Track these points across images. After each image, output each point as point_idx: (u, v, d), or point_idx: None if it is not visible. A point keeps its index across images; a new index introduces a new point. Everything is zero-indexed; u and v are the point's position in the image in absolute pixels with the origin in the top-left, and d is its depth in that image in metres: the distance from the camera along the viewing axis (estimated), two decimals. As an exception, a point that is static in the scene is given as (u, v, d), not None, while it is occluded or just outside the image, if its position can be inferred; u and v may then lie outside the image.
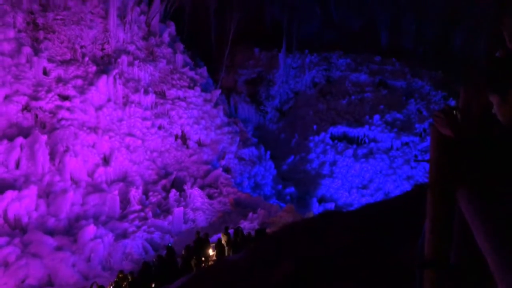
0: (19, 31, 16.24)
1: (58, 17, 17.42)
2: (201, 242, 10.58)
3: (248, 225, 14.43)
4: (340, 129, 24.00)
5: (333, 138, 24.01)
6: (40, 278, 11.32)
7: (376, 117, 24.21)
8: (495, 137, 1.21)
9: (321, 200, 21.55)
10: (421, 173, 22.49)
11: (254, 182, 20.95)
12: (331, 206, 20.66)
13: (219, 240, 10.38)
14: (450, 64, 25.27)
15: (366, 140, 23.97)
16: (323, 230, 4.96)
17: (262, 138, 24.00)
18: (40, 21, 16.91)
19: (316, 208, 19.92)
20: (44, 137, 14.64)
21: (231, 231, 10.88)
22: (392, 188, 22.20)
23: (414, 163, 22.71)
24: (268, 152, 22.45)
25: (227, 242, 10.15)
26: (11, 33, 15.81)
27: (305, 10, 28.60)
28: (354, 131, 24.08)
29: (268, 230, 11.22)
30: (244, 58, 26.20)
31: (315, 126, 23.87)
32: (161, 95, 20.16)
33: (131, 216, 14.68)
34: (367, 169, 22.81)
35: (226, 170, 19.82)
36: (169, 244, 11.53)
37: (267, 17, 29.02)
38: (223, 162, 20.15)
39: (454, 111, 1.36)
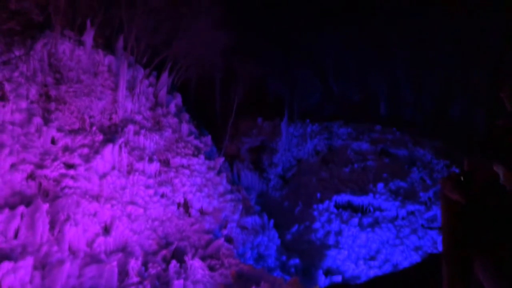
0: (32, 102, 16.89)
1: (71, 89, 18.23)
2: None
3: (251, 300, 13.67)
4: (344, 197, 23.77)
5: (337, 206, 23.69)
6: None
7: (380, 185, 24.10)
8: (504, 202, 1.21)
9: (328, 273, 20.60)
10: (429, 244, 21.78)
11: (257, 252, 20.25)
12: (338, 279, 19.71)
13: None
14: (450, 133, 25.78)
15: (371, 209, 23.62)
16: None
17: (265, 205, 23.71)
18: (52, 93, 17.67)
19: (322, 281, 19.00)
20: (46, 206, 14.49)
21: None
22: (400, 260, 21.36)
23: (422, 233, 22.09)
24: (272, 221, 22.01)
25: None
26: (24, 104, 16.43)
27: (305, 83, 30.02)
28: (359, 200, 23.82)
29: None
30: (248, 127, 26.93)
31: (318, 194, 23.68)
32: (166, 163, 20.35)
33: (129, 289, 13.98)
34: (374, 239, 22.15)
35: (228, 240, 19.28)
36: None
37: (270, 90, 30.37)
38: (225, 232, 19.67)
39: (461, 177, 1.37)
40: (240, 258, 18.04)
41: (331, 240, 21.99)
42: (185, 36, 21.88)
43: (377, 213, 23.11)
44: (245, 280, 15.99)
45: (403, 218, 22.81)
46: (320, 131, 27.53)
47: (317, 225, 22.57)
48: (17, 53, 15.30)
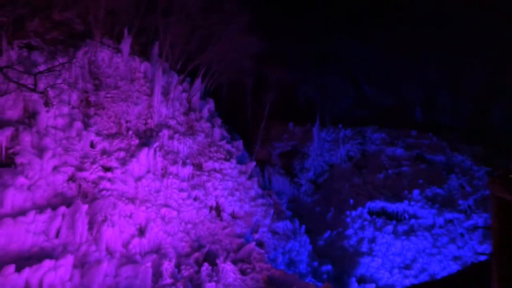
0: (73, 107, 17.69)
1: (109, 95, 18.96)
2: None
3: (282, 305, 13.59)
4: (378, 204, 23.22)
5: (371, 213, 23.18)
6: None
7: (416, 192, 23.37)
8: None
9: (361, 280, 20.15)
10: (470, 254, 20.84)
11: (289, 258, 20.12)
12: (371, 287, 19.23)
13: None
14: (490, 139, 24.68)
15: (406, 216, 22.93)
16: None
17: (296, 211, 23.56)
18: (92, 99, 18.44)
19: (355, 289, 18.60)
20: (85, 207, 15.06)
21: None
22: (438, 270, 20.57)
23: (461, 242, 21.19)
24: (303, 226, 21.81)
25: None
26: (66, 110, 17.24)
27: (337, 88, 29.70)
28: (393, 206, 23.20)
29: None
30: (279, 132, 26.93)
31: (351, 200, 23.27)
32: (198, 167, 20.69)
33: (162, 290, 14.26)
34: (409, 247, 21.48)
35: (260, 244, 19.29)
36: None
37: (301, 95, 30.29)
38: (256, 236, 19.70)
39: (510, 175, 1.33)
40: (272, 263, 17.99)
41: (365, 247, 21.52)
42: (218, 42, 22.26)
43: (413, 220, 22.40)
44: (276, 285, 15.91)
45: (440, 227, 21.97)
46: (353, 136, 27.11)
47: (350, 231, 22.16)
48: (60, 61, 16.09)
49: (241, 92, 27.43)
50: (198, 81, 23.45)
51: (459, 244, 21.32)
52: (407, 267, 20.76)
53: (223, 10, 22.36)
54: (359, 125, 27.91)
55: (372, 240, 21.93)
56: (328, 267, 20.28)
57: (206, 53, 22.21)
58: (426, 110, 29.56)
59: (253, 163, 23.49)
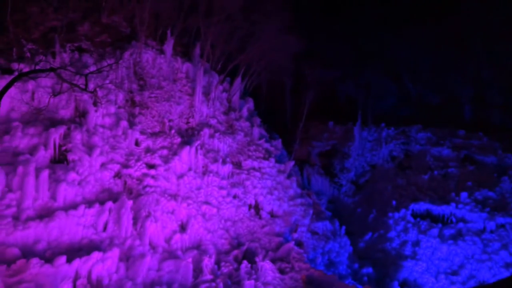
0: (119, 107, 18.46)
1: (152, 95, 19.61)
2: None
3: (322, 306, 13.41)
4: (422, 206, 22.30)
5: (414, 215, 22.32)
6: None
7: (464, 194, 22.24)
8: None
9: (403, 284, 19.47)
10: (524, 261, 19.54)
11: (328, 259, 19.82)
12: (415, 292, 18.55)
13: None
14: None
15: (453, 220, 21.87)
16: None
17: (336, 211, 23.16)
18: (137, 98, 19.15)
19: (397, 293, 18.01)
20: (130, 202, 15.67)
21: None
22: (488, 277, 19.44)
23: (514, 248, 19.89)
24: (343, 227, 21.41)
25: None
26: (113, 109, 18.02)
27: (380, 86, 28.89)
28: (439, 209, 22.20)
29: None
30: (318, 131, 26.62)
31: (394, 202, 22.53)
32: (238, 165, 20.89)
33: (203, 286, 14.52)
34: (456, 252, 20.46)
35: (298, 244, 19.16)
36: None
37: (341, 93, 29.76)
38: (295, 235, 19.58)
39: None
40: (311, 263, 17.80)
41: (408, 250, 20.76)
42: (258, 42, 22.37)
43: (461, 224, 21.32)
44: (315, 285, 15.73)
45: (491, 232, 20.74)
46: (396, 135, 26.22)
47: (392, 234, 21.47)
48: (108, 62, 16.83)
49: (280, 91, 27.39)
50: (238, 81, 23.69)
51: (511, 250, 20.03)
52: (454, 273, 19.79)
53: (264, 9, 22.44)
54: (402, 124, 26.95)
55: (416, 244, 21.12)
56: (369, 270, 19.77)
57: (246, 53, 22.39)
58: (475, 108, 28.03)
59: (292, 162, 23.37)
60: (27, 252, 12.77)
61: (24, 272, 11.99)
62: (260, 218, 19.69)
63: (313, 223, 20.73)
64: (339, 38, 28.03)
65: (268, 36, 22.35)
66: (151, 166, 17.58)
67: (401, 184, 23.59)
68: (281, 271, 16.61)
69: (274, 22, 22.42)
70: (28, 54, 16.53)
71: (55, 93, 13.92)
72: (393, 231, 21.52)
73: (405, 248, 20.83)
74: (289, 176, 22.32)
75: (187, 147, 18.72)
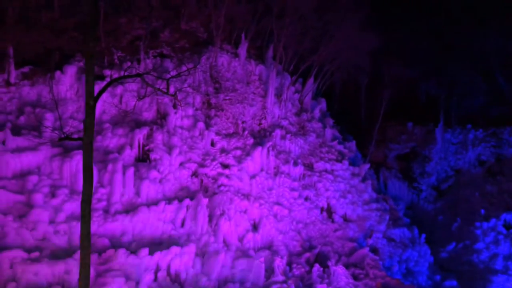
0: (196, 109, 19.36)
1: (227, 97, 20.24)
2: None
3: (399, 317, 12.68)
4: (516, 216, 20.09)
5: (507, 226, 20.13)
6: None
7: None
8: None
9: (493, 301, 17.69)
10: None
11: (406, 268, 18.72)
12: (507, 311, 16.72)
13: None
14: None
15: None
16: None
17: (415, 218, 21.76)
18: (213, 101, 19.91)
19: (486, 311, 16.40)
20: (206, 200, 16.33)
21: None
22: None
23: None
24: (423, 235, 20.06)
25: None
26: (190, 111, 18.95)
27: (466, 84, 26.50)
28: (536, 220, 19.80)
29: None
30: (396, 132, 25.23)
31: (483, 211, 20.54)
32: (309, 167, 20.66)
33: (274, 286, 14.59)
34: (557, 269, 18.06)
35: (373, 250, 18.36)
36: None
37: (422, 92, 27.88)
38: (370, 241, 18.81)
39: None
40: (387, 271, 16.96)
41: (499, 264, 18.80)
42: (331, 41, 21.90)
43: None
44: (392, 295, 14.95)
45: None
46: (485, 137, 23.84)
47: (480, 245, 19.59)
48: (188, 66, 17.72)
49: (355, 91, 26.45)
50: (310, 81, 23.43)
51: None
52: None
53: (338, 7, 21.91)
54: (492, 126, 24.44)
55: (509, 257, 19.07)
56: (453, 283, 18.27)
57: (319, 53, 22.04)
58: None
59: (367, 165, 22.48)
60: (115, 243, 13.94)
61: (113, 261, 13.11)
62: (332, 221, 19.25)
63: (389, 230, 19.74)
64: (420, 33, 26.26)
65: (342, 34, 21.76)
66: (225, 166, 18.14)
67: (491, 191, 21.43)
68: (355, 277, 16.06)
69: (350, 20, 21.77)
70: (117, 61, 18.05)
71: (140, 97, 15.01)
72: (481, 242, 19.63)
73: (496, 261, 18.89)
74: (364, 180, 21.51)
75: (259, 148, 18.97)
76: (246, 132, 19.75)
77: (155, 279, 13.45)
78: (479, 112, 25.69)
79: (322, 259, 16.93)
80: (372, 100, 25.52)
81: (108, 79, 16.44)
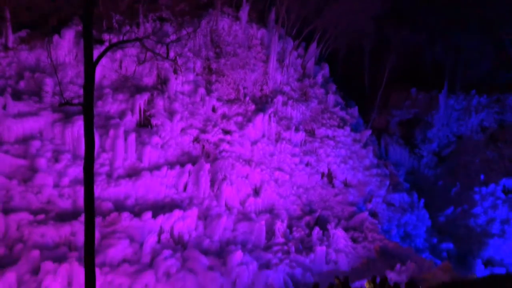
0: (197, 74, 19.16)
1: (228, 62, 19.95)
2: (342, 286, 10.04)
3: (394, 277, 13.11)
4: (516, 182, 20.24)
5: (506, 191, 20.33)
6: (192, 292, 12.41)
7: None
8: None
9: (488, 263, 18.16)
10: None
11: (404, 231, 19.13)
12: (501, 271, 17.18)
13: None
14: None
15: (553, 198, 19.55)
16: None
17: (415, 184, 21.99)
18: (213, 66, 19.66)
19: (480, 272, 16.88)
20: (208, 166, 16.53)
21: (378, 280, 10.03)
22: None
23: None
24: (422, 200, 20.34)
25: (373, 290, 9.36)
26: (191, 76, 18.77)
27: (473, 49, 25.85)
28: (536, 186, 19.97)
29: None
30: (399, 98, 24.97)
31: (482, 176, 20.69)
32: (311, 133, 20.68)
33: (275, 248, 15.03)
34: (553, 233, 18.41)
35: (373, 214, 18.70)
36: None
37: (427, 58, 27.29)
38: (369, 206, 19.12)
39: None
40: (385, 234, 17.37)
41: (496, 228, 19.16)
42: (335, 3, 21.25)
43: (562, 204, 19.00)
44: (389, 256, 15.37)
45: None
46: (489, 103, 23.57)
47: (478, 210, 19.89)
48: (187, 30, 17.38)
49: (358, 56, 25.93)
50: (313, 46, 22.98)
51: None
52: (550, 255, 17.93)
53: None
54: (497, 92, 24.10)
55: (506, 221, 19.41)
56: (449, 245, 18.72)
57: (323, 16, 21.44)
58: None
59: (369, 131, 22.46)
60: (119, 207, 14.25)
61: (117, 224, 13.45)
62: (333, 186, 19.50)
63: (389, 194, 20.01)
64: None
65: (347, -3, 21.10)
66: (227, 132, 18.19)
67: (491, 157, 21.48)
68: (354, 240, 16.48)
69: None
70: (116, 25, 17.69)
71: (140, 62, 14.84)
72: (479, 206, 19.91)
73: (493, 225, 19.25)
74: (365, 146, 21.57)
75: (261, 114, 18.93)
76: (247, 98, 19.63)
77: (159, 241, 13.84)
78: (484, 79, 25.25)
79: (322, 223, 17.31)
80: (376, 66, 25.09)
81: (107, 43, 16.16)
